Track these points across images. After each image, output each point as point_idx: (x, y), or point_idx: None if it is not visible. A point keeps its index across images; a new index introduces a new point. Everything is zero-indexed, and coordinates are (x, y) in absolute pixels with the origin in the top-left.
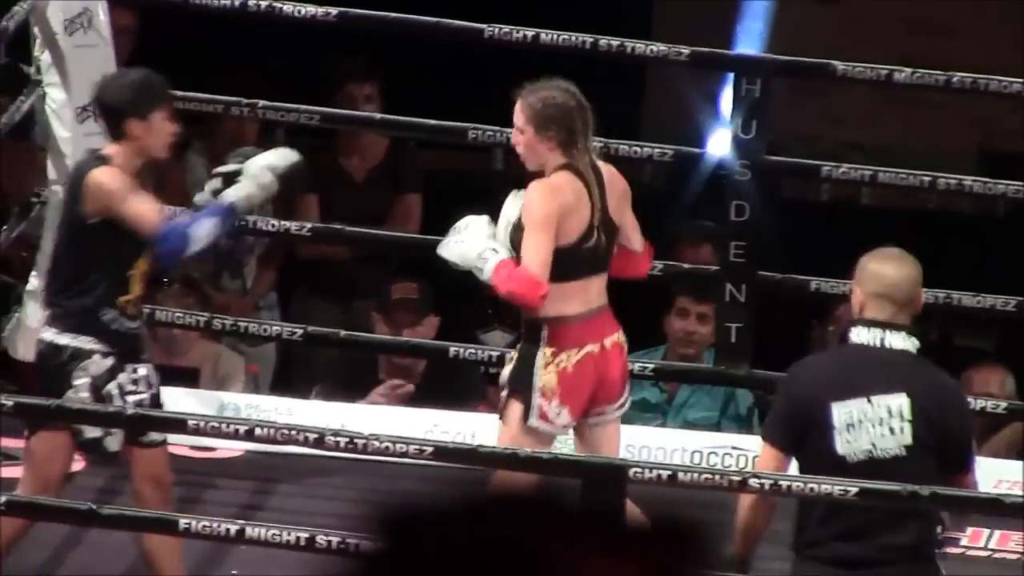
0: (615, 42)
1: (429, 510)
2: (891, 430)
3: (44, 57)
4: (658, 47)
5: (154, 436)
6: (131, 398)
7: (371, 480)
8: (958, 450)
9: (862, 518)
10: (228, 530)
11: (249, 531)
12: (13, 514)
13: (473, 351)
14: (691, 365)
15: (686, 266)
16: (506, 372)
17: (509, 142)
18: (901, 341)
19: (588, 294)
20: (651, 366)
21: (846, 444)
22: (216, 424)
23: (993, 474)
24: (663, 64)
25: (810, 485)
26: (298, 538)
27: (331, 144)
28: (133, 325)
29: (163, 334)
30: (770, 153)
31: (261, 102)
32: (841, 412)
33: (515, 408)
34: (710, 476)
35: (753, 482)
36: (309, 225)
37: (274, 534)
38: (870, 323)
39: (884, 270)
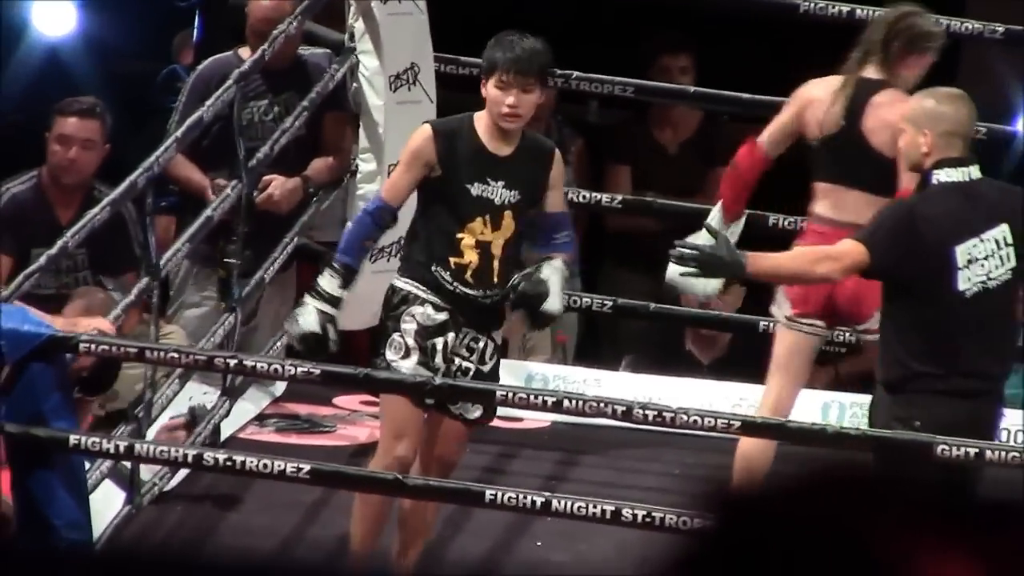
0: None
1: (763, 489)
2: (1001, 260)
3: (358, 25)
4: (973, 25)
5: (466, 412)
6: (458, 361)
7: (678, 453)
8: None
9: (974, 352)
10: (534, 502)
11: (555, 503)
12: (318, 483)
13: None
14: None
15: None
16: None
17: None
18: (978, 172)
19: (838, 202)
20: None
21: (966, 281)
22: (524, 395)
23: None
24: (977, 42)
25: None
26: (604, 511)
27: (644, 116)
28: (473, 292)
29: None
30: None
31: (575, 73)
32: (962, 252)
33: None
34: (1017, 455)
35: None
36: (620, 197)
37: (580, 506)
38: (956, 162)
39: (950, 109)
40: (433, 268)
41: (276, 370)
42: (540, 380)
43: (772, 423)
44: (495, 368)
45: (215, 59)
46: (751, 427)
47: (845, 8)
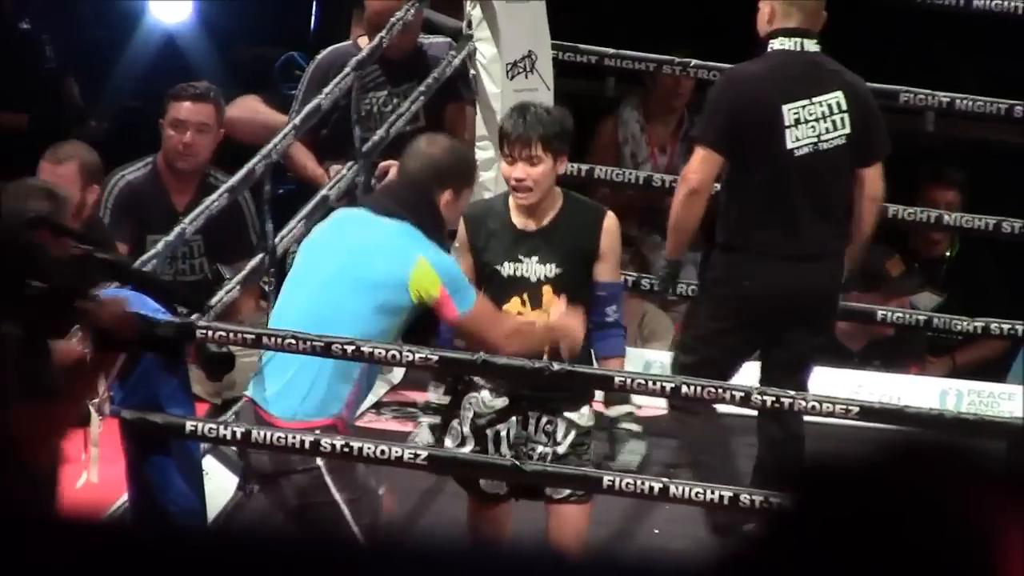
0: None
1: (842, 465)
2: (834, 124)
3: (475, 12)
4: None
5: (554, 491)
6: (534, 447)
7: None
8: (877, 140)
9: (807, 214)
10: (652, 487)
11: (673, 489)
12: (434, 470)
13: (901, 315)
14: None
15: None
16: None
17: (941, 105)
18: (815, 46)
19: None
20: None
21: (794, 140)
22: (642, 381)
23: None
24: None
25: None
26: (722, 496)
27: None
28: None
29: None
30: None
31: (693, 61)
32: (790, 111)
33: None
34: None
35: None
36: None
37: (697, 492)
38: (790, 32)
39: None
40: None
41: (394, 356)
42: (658, 367)
43: (889, 409)
44: (573, 447)
45: (334, 48)
46: (869, 412)
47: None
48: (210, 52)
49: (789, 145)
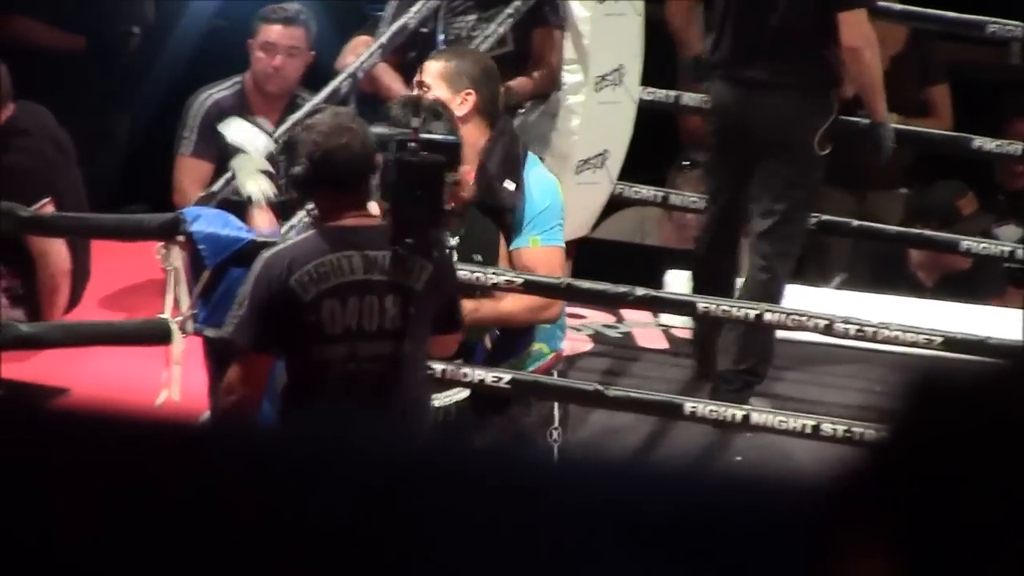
0: None
1: (960, 376)
2: None
3: None
4: None
5: None
6: None
7: (880, 371)
8: None
9: (754, 44)
10: (734, 415)
11: (755, 417)
12: (515, 392)
13: (986, 245)
14: None
15: None
16: None
17: None
18: None
19: None
20: None
21: None
22: (727, 307)
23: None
24: None
25: None
26: (804, 425)
27: None
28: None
29: (677, 218)
30: None
31: None
32: None
33: None
34: None
35: None
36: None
37: (780, 420)
38: None
39: None
40: None
41: (478, 278)
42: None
43: (972, 340)
44: None
45: None
46: (953, 344)
47: None
48: None
49: None
